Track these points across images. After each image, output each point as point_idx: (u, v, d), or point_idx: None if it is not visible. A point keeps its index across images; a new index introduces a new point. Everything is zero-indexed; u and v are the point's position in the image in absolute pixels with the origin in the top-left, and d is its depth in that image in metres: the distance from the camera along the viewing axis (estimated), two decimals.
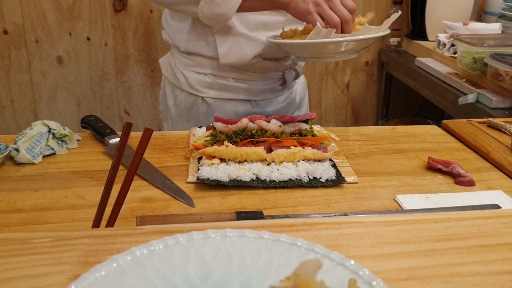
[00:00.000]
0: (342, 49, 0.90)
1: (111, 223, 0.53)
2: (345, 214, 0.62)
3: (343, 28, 0.88)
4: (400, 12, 0.98)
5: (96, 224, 0.53)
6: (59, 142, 0.82)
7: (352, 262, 0.37)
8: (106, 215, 0.53)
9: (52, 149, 0.80)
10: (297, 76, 1.14)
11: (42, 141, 0.79)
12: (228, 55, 1.02)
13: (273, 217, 0.61)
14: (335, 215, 0.61)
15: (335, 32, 0.86)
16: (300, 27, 1.05)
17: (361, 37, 0.88)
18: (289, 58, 1.09)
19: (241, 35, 1.01)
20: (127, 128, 0.56)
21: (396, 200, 0.68)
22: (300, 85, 1.23)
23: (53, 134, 0.81)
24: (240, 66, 1.05)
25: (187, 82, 1.08)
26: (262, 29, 1.03)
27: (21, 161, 0.76)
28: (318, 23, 0.87)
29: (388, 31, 0.93)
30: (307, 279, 0.28)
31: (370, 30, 0.95)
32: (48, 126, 0.81)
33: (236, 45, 1.01)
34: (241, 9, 0.93)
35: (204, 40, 1.03)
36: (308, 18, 0.89)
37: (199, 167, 0.74)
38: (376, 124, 2.28)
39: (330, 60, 1.00)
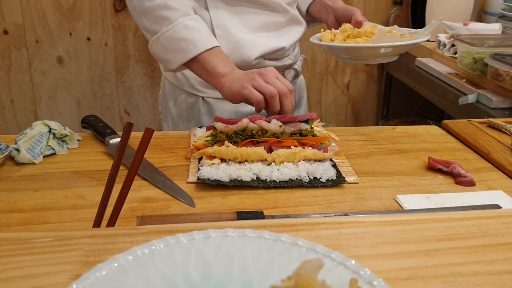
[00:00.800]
0: (391, 52, 0.93)
1: (111, 223, 0.53)
2: (346, 214, 0.62)
3: (281, 102, 0.83)
4: (442, 18, 1.00)
5: (97, 224, 0.53)
6: (60, 142, 0.82)
7: (353, 262, 0.37)
8: (107, 215, 0.53)
9: (53, 149, 0.80)
10: (296, 75, 1.14)
11: (43, 141, 0.79)
12: (230, 57, 1.02)
13: (273, 217, 0.61)
14: (335, 215, 0.61)
15: (270, 107, 0.83)
16: (303, 27, 1.06)
17: (407, 42, 0.91)
18: (288, 57, 1.09)
19: (242, 37, 1.01)
20: (128, 128, 0.56)
21: (397, 200, 0.68)
22: (299, 85, 1.23)
23: (54, 134, 0.81)
24: (241, 67, 1.05)
25: (187, 82, 1.08)
26: (264, 30, 1.04)
27: (22, 161, 0.76)
28: (379, 26, 0.89)
29: (429, 36, 0.96)
30: (309, 279, 0.28)
31: (404, 34, 0.98)
32: (49, 126, 0.81)
33: (237, 47, 1.01)
34: (184, 66, 0.93)
35: None
36: (245, 93, 0.83)
37: (200, 167, 0.74)
38: (376, 124, 2.28)
39: (373, 62, 1.02)
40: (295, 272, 0.29)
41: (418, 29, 1.00)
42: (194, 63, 0.91)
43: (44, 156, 0.79)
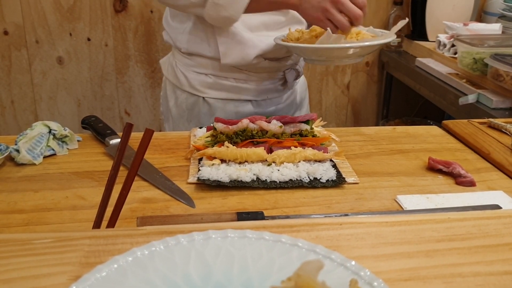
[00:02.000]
0: (350, 53, 0.92)
1: (112, 223, 0.53)
2: (346, 215, 0.62)
3: (353, 25, 0.90)
4: (407, 19, 1.00)
5: (97, 224, 0.53)
6: (60, 142, 0.82)
7: (353, 262, 0.37)
8: (107, 215, 0.53)
9: (53, 149, 0.80)
10: (297, 76, 1.14)
11: (43, 141, 0.79)
12: (229, 56, 1.02)
13: (273, 217, 0.61)
14: (335, 216, 0.61)
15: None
16: (303, 26, 1.05)
17: (367, 43, 0.90)
18: (290, 58, 1.10)
19: (242, 35, 1.01)
20: (128, 128, 0.56)
21: (397, 200, 0.68)
22: (300, 86, 1.23)
23: (54, 134, 0.81)
24: (241, 67, 1.05)
25: (188, 82, 1.08)
26: (263, 29, 1.04)
27: (22, 161, 0.76)
28: (328, 28, 0.88)
29: (395, 37, 0.95)
30: (309, 280, 0.28)
31: (377, 36, 0.96)
32: (49, 127, 0.81)
33: (237, 46, 1.01)
34: (247, 10, 0.94)
35: (205, 40, 1.03)
36: (320, 25, 0.91)
37: (200, 168, 0.74)
38: (377, 125, 2.28)
39: (337, 63, 1.02)
40: (295, 273, 0.29)
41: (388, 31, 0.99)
42: (256, 2, 0.94)
43: (44, 157, 0.79)
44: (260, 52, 1.02)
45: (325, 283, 0.29)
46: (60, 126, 0.82)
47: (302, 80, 1.24)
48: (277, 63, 1.08)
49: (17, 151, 0.76)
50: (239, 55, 1.02)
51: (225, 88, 1.07)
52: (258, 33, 1.03)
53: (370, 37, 0.96)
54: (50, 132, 0.81)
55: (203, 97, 1.08)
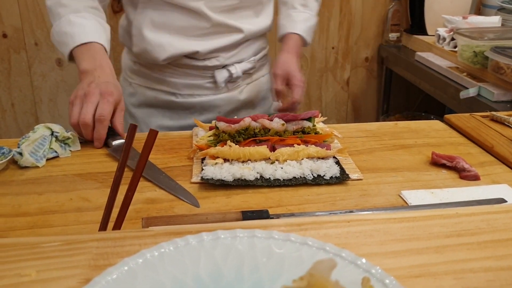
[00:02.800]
0: None
1: (118, 225, 0.53)
2: (351, 211, 0.62)
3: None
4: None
5: (103, 226, 0.53)
6: (62, 145, 0.82)
7: (364, 260, 0.37)
8: (113, 217, 0.53)
9: (56, 152, 0.80)
10: (231, 77, 1.12)
11: (46, 144, 0.79)
12: (141, 56, 1.08)
13: (278, 215, 0.61)
14: (340, 213, 0.61)
15: None
16: (230, 36, 1.09)
17: None
18: (217, 58, 1.09)
19: (153, 38, 1.04)
20: (132, 130, 0.55)
21: (401, 196, 0.68)
22: (252, 88, 1.19)
23: (56, 137, 0.81)
24: (153, 66, 1.09)
25: (123, 68, 1.17)
26: (182, 33, 1.04)
27: (25, 164, 0.76)
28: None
29: None
30: (322, 279, 0.28)
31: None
32: (51, 129, 0.81)
33: (146, 48, 1.05)
34: None
35: (128, 36, 1.11)
36: (70, 106, 0.86)
37: (203, 167, 0.74)
38: (377, 120, 2.28)
39: None
40: (308, 272, 0.29)
41: None
42: (75, 56, 0.94)
43: (47, 159, 0.79)
44: (168, 56, 1.04)
45: (338, 283, 0.29)
46: (62, 128, 0.82)
47: (258, 82, 1.20)
48: (198, 62, 1.08)
49: (20, 154, 0.76)
50: (149, 56, 1.06)
51: (146, 76, 1.11)
52: (177, 36, 1.04)
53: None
54: (52, 134, 0.81)
55: (130, 82, 1.15)
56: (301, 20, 1.17)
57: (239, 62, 1.12)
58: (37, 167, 0.76)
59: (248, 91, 1.18)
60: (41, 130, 0.80)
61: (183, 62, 1.08)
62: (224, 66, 1.10)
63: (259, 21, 1.12)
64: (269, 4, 1.14)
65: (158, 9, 1.03)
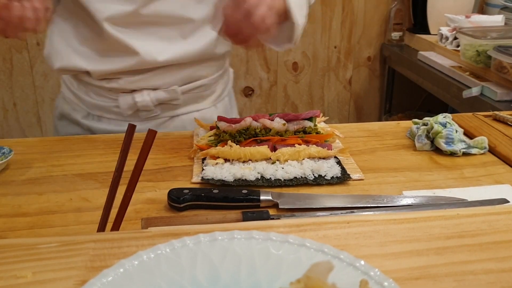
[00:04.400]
0: None
1: (116, 226, 0.53)
2: (352, 212, 0.62)
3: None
4: None
5: (102, 227, 0.53)
6: None
7: (362, 262, 0.37)
8: (111, 217, 0.53)
9: None
10: (134, 106, 0.94)
11: None
12: (50, 57, 0.94)
13: (279, 216, 0.61)
14: (340, 214, 0.61)
15: None
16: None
17: None
18: (116, 80, 0.93)
19: (55, 44, 0.92)
20: (131, 129, 0.55)
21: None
22: (177, 124, 1.00)
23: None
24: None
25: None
26: (86, 45, 0.92)
27: None
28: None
29: None
30: (319, 282, 0.28)
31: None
32: None
33: (51, 51, 0.93)
34: None
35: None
36: None
37: (204, 167, 0.74)
38: (379, 120, 2.28)
39: None
40: (305, 275, 0.29)
41: None
42: None
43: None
44: (61, 66, 0.92)
45: (335, 285, 0.28)
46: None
47: (194, 115, 0.99)
48: (98, 82, 0.94)
49: None
50: (48, 62, 0.94)
51: (69, 87, 1.00)
52: (81, 48, 0.91)
53: None
54: None
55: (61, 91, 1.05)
56: None
57: (154, 89, 0.94)
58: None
59: (170, 126, 0.99)
60: None
61: (85, 79, 0.94)
62: (132, 91, 0.94)
63: (182, 45, 0.91)
64: (204, 26, 0.91)
65: (65, 16, 0.91)
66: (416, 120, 0.89)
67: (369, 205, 0.63)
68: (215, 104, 1.04)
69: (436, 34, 1.81)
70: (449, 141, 0.80)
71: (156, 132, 0.54)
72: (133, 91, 0.94)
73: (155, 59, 0.90)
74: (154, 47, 0.90)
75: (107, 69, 0.91)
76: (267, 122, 0.80)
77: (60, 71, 0.94)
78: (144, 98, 0.93)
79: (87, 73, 0.93)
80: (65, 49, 0.91)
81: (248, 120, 0.80)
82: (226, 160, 0.75)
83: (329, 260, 0.33)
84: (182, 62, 0.93)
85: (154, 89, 0.94)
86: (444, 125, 0.81)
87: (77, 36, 0.91)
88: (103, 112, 0.97)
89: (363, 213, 0.59)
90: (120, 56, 0.89)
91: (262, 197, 0.64)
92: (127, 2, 0.85)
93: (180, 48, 0.91)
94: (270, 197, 0.64)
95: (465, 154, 0.80)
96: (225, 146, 0.76)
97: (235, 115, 1.13)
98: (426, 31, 1.97)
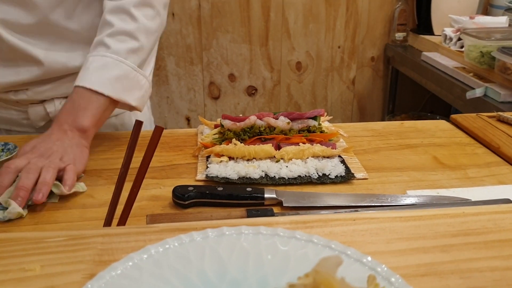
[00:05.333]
0: None
1: (122, 221, 0.53)
2: (356, 210, 0.62)
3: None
4: None
5: (108, 223, 0.53)
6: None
7: (370, 258, 0.37)
8: (117, 213, 0.53)
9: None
10: (47, 116, 0.89)
11: None
12: None
13: (283, 214, 0.61)
14: (345, 212, 0.61)
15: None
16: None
17: None
18: (26, 91, 0.86)
19: None
20: (138, 126, 0.55)
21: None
22: None
23: None
24: None
25: None
26: None
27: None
28: None
29: None
30: (327, 276, 0.28)
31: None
32: None
33: None
34: None
35: None
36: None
37: (208, 165, 0.74)
38: (383, 120, 2.28)
39: None
40: (314, 269, 0.29)
41: None
42: None
43: None
44: None
45: (344, 280, 0.28)
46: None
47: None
48: (4, 95, 0.87)
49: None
50: None
51: None
52: None
53: None
54: None
55: None
56: (96, 68, 0.77)
57: (65, 97, 0.87)
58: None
59: None
60: None
61: None
62: (42, 101, 0.88)
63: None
64: None
65: None
66: None
67: (373, 204, 0.63)
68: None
69: (440, 35, 1.81)
70: None
71: (163, 128, 0.54)
72: (43, 101, 0.89)
73: (64, 66, 0.85)
74: (60, 56, 0.84)
75: (12, 81, 0.84)
76: (271, 121, 0.81)
77: None
78: (56, 107, 0.89)
79: None
80: None
81: (252, 119, 0.80)
82: (230, 158, 0.76)
83: (337, 254, 0.33)
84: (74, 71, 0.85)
85: (65, 97, 0.87)
86: None
87: None
88: (11, 126, 0.92)
89: (368, 211, 0.59)
90: (24, 66, 0.83)
91: (266, 195, 0.64)
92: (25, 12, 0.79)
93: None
94: (274, 195, 0.65)
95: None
96: (230, 144, 0.77)
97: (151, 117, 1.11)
98: (430, 31, 1.97)
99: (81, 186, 0.69)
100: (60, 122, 0.75)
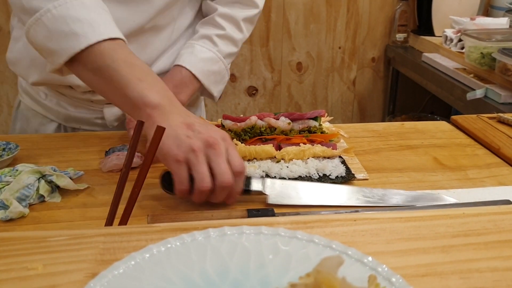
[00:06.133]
0: None
1: (124, 221, 0.53)
2: (356, 211, 0.62)
3: (214, 195, 0.60)
4: None
5: (110, 222, 0.53)
6: (53, 187, 0.66)
7: (370, 258, 0.37)
8: (119, 213, 0.53)
9: (43, 196, 0.65)
10: (124, 116, 0.91)
11: (32, 191, 0.63)
12: (15, 65, 0.87)
13: (284, 214, 0.61)
14: (346, 212, 0.61)
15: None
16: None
17: None
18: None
19: (29, 54, 0.83)
20: (139, 126, 0.56)
21: None
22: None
23: (50, 181, 0.66)
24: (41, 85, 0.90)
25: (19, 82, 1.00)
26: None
27: (12, 216, 0.60)
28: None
29: None
30: (329, 276, 0.28)
31: None
32: (40, 172, 0.65)
33: (23, 57, 0.85)
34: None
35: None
36: (172, 167, 0.59)
37: None
38: (383, 121, 2.28)
39: None
40: (315, 269, 0.29)
41: None
42: (91, 60, 0.66)
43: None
44: (37, 79, 0.85)
45: (345, 279, 0.29)
46: (54, 169, 0.67)
47: None
48: (82, 95, 0.90)
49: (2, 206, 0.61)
50: (23, 70, 0.86)
51: (34, 98, 0.94)
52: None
53: None
54: (41, 178, 0.66)
55: (21, 100, 0.98)
56: (203, 59, 0.88)
57: None
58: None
59: None
60: (24, 176, 0.64)
61: (65, 92, 0.90)
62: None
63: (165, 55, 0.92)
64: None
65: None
66: None
67: (370, 205, 0.64)
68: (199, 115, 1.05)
69: (440, 36, 1.82)
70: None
71: (164, 128, 0.55)
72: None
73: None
74: (144, 58, 0.84)
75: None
76: (272, 121, 0.81)
77: (35, 84, 0.86)
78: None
79: (69, 86, 0.88)
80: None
81: (253, 119, 0.81)
82: None
83: (339, 254, 0.33)
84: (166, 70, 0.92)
85: None
86: None
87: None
88: (81, 124, 0.94)
89: (368, 211, 0.59)
90: None
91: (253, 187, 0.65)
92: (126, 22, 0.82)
93: (167, 59, 0.92)
94: (260, 187, 0.65)
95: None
96: None
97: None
98: (430, 32, 1.98)
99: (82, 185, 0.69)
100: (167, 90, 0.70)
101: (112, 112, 0.92)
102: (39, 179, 0.65)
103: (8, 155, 0.75)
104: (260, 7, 0.96)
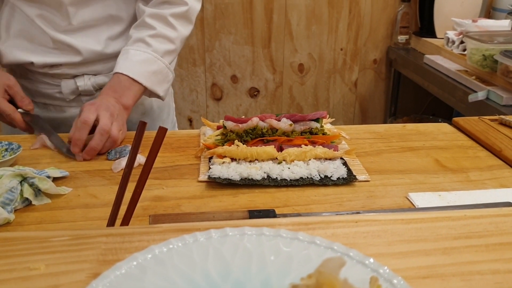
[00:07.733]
0: None
1: (126, 222, 0.54)
2: (358, 213, 0.62)
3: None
4: None
5: (111, 222, 0.53)
6: (37, 190, 0.66)
7: (372, 260, 0.37)
8: (120, 213, 0.53)
9: (28, 199, 0.64)
10: (77, 90, 0.99)
11: (15, 195, 0.63)
12: None
13: (285, 215, 0.61)
14: (347, 213, 0.61)
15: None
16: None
17: None
18: (60, 66, 0.97)
19: (6, 37, 0.94)
20: (142, 127, 0.56)
21: (408, 198, 0.67)
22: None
23: (32, 183, 0.65)
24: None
25: None
26: (24, 39, 0.95)
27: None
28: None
29: None
30: (330, 277, 0.28)
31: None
32: (21, 176, 0.65)
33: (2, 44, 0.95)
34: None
35: None
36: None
37: (210, 166, 0.74)
38: (384, 122, 2.28)
39: None
40: (316, 270, 0.29)
41: None
42: None
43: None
44: (8, 61, 0.95)
45: (346, 281, 0.29)
46: (34, 171, 0.67)
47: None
48: (42, 69, 0.97)
49: None
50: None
51: (12, 73, 0.98)
52: (18, 42, 0.94)
53: None
54: (23, 181, 0.65)
55: None
56: (139, 61, 0.92)
57: (94, 74, 0.99)
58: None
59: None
60: (6, 180, 0.63)
61: (27, 67, 0.97)
62: (74, 76, 0.98)
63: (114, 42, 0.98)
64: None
65: (15, 12, 0.94)
66: None
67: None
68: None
69: (442, 38, 1.82)
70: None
71: (166, 129, 0.55)
72: (74, 76, 0.98)
73: (101, 52, 0.97)
74: (97, 45, 0.96)
75: (51, 61, 0.95)
76: (274, 123, 0.81)
77: (6, 65, 0.98)
78: (85, 82, 0.99)
79: (31, 63, 0.96)
80: (14, 45, 0.94)
81: (255, 120, 0.81)
82: (232, 159, 0.76)
83: (340, 256, 0.33)
84: (108, 57, 0.99)
85: (95, 74, 0.99)
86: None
87: (24, 33, 0.94)
88: (46, 99, 1.01)
89: (370, 213, 0.59)
90: (65, 54, 0.95)
91: None
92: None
93: (122, 42, 0.98)
94: None
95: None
96: (232, 145, 0.77)
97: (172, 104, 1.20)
98: (432, 34, 1.98)
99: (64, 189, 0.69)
100: (107, 95, 0.87)
101: (68, 85, 0.99)
102: (21, 182, 0.64)
103: (11, 155, 0.75)
104: (189, 4, 0.96)
